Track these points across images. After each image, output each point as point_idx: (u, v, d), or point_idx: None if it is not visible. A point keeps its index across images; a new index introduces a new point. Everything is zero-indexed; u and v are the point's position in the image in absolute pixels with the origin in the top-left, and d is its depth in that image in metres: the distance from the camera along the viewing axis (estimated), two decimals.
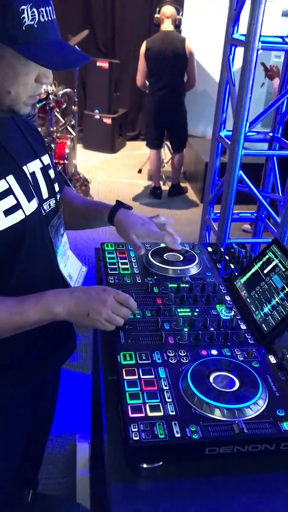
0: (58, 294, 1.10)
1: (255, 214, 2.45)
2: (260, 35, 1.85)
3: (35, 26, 0.95)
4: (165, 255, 1.43)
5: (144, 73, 4.63)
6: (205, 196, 2.44)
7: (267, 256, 1.27)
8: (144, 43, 4.62)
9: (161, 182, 5.30)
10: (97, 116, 6.15)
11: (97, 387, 1.48)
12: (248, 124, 2.00)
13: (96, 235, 3.89)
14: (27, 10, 0.93)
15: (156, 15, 4.63)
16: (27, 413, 1.43)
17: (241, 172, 2.06)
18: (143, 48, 4.60)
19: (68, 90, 4.91)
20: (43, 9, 0.96)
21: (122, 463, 0.89)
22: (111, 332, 1.11)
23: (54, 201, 1.26)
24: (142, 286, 1.29)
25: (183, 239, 1.44)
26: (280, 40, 1.96)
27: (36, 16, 0.95)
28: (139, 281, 1.33)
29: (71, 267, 1.37)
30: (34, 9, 0.94)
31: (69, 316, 1.08)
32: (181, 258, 1.43)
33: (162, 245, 1.46)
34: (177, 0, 5.01)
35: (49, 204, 1.23)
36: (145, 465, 0.88)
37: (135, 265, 1.41)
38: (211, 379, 0.97)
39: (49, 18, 0.98)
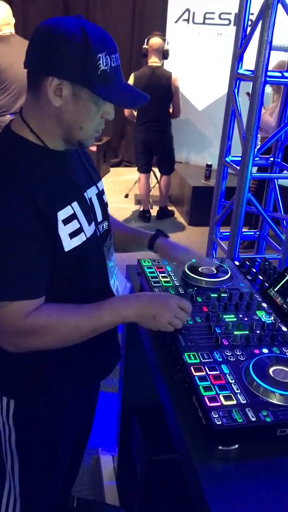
0: (127, 299, 1.23)
1: (258, 233, 2.63)
2: (267, 71, 2.05)
3: (108, 70, 1.09)
4: (200, 268, 1.56)
5: None
6: (211, 217, 2.61)
7: None
8: (132, 77, 4.82)
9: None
10: None
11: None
12: (256, 150, 2.18)
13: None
14: (102, 57, 1.07)
15: (144, 46, 4.84)
16: (82, 417, 1.53)
17: (249, 194, 2.23)
18: (130, 81, 4.80)
19: None
20: (113, 56, 1.10)
21: (199, 449, 1.01)
22: (163, 342, 1.23)
23: (106, 224, 1.38)
24: (187, 296, 1.42)
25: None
26: (279, 74, 2.16)
27: (109, 62, 1.09)
28: (182, 292, 1.45)
29: (118, 282, 1.49)
30: (108, 56, 1.08)
31: (137, 318, 1.21)
32: (215, 271, 1.57)
33: (194, 260, 1.60)
34: (160, 31, 5.28)
35: (103, 226, 1.36)
36: (223, 448, 0.99)
37: (174, 278, 1.54)
38: (270, 372, 1.10)
39: (117, 63, 1.13)
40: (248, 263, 1.67)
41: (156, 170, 5.43)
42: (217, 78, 5.66)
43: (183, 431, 1.06)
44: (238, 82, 2.35)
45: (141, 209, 5.36)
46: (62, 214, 1.16)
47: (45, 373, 1.31)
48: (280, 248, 2.35)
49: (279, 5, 1.99)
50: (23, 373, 1.30)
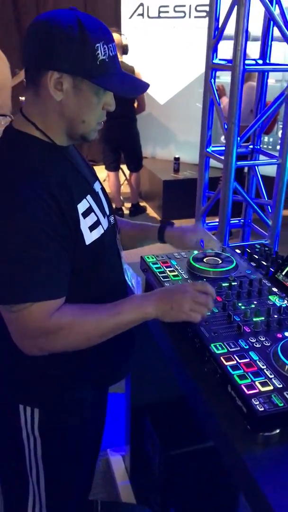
0: (146, 296, 1.23)
1: (242, 220, 2.66)
2: (244, 59, 2.07)
3: (107, 60, 1.08)
4: (205, 259, 1.57)
5: None
6: (197, 208, 2.62)
7: None
8: None
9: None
10: None
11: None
12: (238, 139, 2.20)
13: None
14: (100, 47, 1.06)
15: None
16: (98, 421, 1.51)
17: (235, 183, 2.25)
18: None
19: None
20: (111, 45, 1.09)
21: (239, 437, 1.01)
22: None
23: (113, 217, 1.37)
24: None
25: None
26: (261, 62, 2.19)
27: (107, 51, 1.08)
28: None
29: (130, 276, 1.49)
30: (105, 46, 1.07)
31: (158, 312, 1.19)
32: (220, 261, 1.57)
33: (195, 252, 1.61)
34: (115, 27, 5.25)
35: (110, 220, 1.35)
36: (265, 434, 1.00)
37: (181, 271, 1.53)
38: None
39: (115, 53, 1.12)
40: (249, 250, 1.69)
41: (124, 167, 5.42)
42: (177, 71, 5.69)
43: (221, 421, 1.06)
44: (214, 72, 2.37)
45: (113, 207, 5.33)
46: (81, 208, 1.16)
47: (66, 378, 1.29)
48: (267, 234, 2.39)
49: None
50: (44, 381, 1.28)
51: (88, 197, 1.21)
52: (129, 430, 2.05)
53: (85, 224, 1.17)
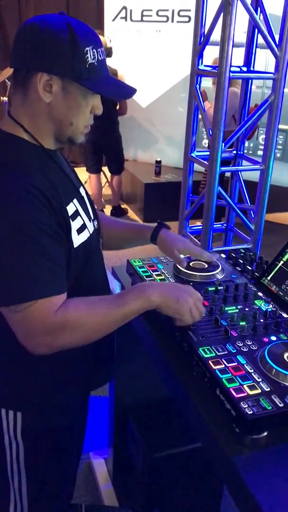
0: (150, 284, 1.23)
1: (225, 225, 2.69)
2: (230, 66, 2.10)
3: (96, 64, 1.10)
4: (191, 263, 1.58)
5: None
6: (180, 212, 2.64)
7: None
8: None
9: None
10: None
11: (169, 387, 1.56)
12: (223, 144, 2.23)
13: None
14: (90, 50, 1.08)
15: None
16: (81, 425, 1.52)
17: (219, 187, 2.28)
18: None
19: None
20: (99, 50, 1.11)
21: (227, 439, 1.03)
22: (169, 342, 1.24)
23: (96, 222, 1.38)
24: None
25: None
26: (245, 69, 2.22)
27: (96, 55, 1.10)
28: None
29: (110, 282, 1.50)
30: (95, 50, 1.09)
31: (162, 300, 1.19)
32: (206, 265, 1.59)
33: (181, 256, 1.62)
34: (99, 29, 5.26)
35: (94, 224, 1.36)
36: (254, 436, 1.02)
37: (168, 275, 1.55)
38: (286, 358, 1.14)
39: (103, 57, 1.13)
40: (233, 255, 1.71)
41: (105, 169, 5.42)
42: (159, 75, 5.72)
43: (209, 424, 1.08)
44: (199, 78, 2.39)
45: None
46: (69, 210, 1.16)
47: (50, 382, 1.29)
48: (249, 238, 2.42)
49: (239, 2, 2.04)
50: (28, 385, 1.27)
51: (75, 200, 1.22)
52: (112, 433, 2.06)
53: (73, 227, 1.18)
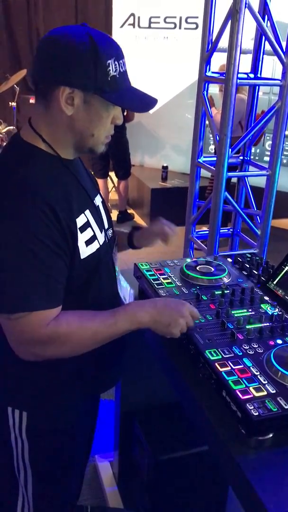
0: (142, 305, 1.24)
1: (231, 230, 2.70)
2: (238, 73, 2.12)
3: (117, 76, 1.10)
4: (198, 267, 1.60)
5: None
6: (187, 217, 2.66)
7: None
8: None
9: None
10: None
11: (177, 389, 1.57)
12: (230, 150, 2.25)
13: None
14: (112, 63, 1.09)
15: None
16: (89, 427, 1.53)
17: (226, 193, 2.30)
18: None
19: (11, 127, 4.99)
20: (121, 61, 1.12)
21: (233, 441, 1.04)
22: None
23: (111, 231, 1.39)
24: (192, 296, 1.45)
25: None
26: (252, 75, 2.24)
27: (118, 68, 1.10)
28: (186, 292, 1.48)
29: (123, 289, 1.51)
30: (116, 62, 1.10)
31: (153, 324, 1.22)
32: (212, 269, 1.61)
33: (188, 260, 1.64)
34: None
35: (109, 234, 1.37)
36: (259, 438, 1.03)
37: (175, 278, 1.56)
38: None
39: (125, 69, 1.14)
40: (240, 259, 1.72)
41: (112, 174, 5.45)
42: (167, 81, 5.75)
43: (215, 426, 1.09)
44: (206, 84, 2.42)
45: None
46: (79, 222, 1.17)
47: (56, 383, 1.31)
48: (255, 243, 2.43)
49: (246, 10, 2.07)
50: (34, 385, 1.29)
51: (87, 211, 1.22)
52: (117, 436, 2.07)
53: (81, 238, 1.18)
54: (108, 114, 1.15)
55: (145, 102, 1.18)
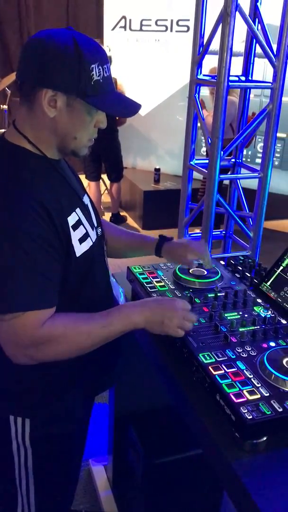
0: (135, 306, 1.24)
1: (224, 232, 2.71)
2: (229, 76, 2.12)
3: (101, 81, 1.10)
4: (190, 270, 1.60)
5: None
6: (180, 219, 2.66)
7: (287, 261, 1.49)
8: None
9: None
10: None
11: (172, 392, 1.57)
12: (222, 152, 2.25)
13: None
14: (95, 68, 1.09)
15: None
16: (84, 431, 1.52)
17: (218, 195, 2.30)
18: None
19: (3, 130, 4.98)
20: (105, 66, 1.12)
21: (227, 444, 1.03)
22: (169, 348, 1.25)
23: (100, 229, 1.39)
24: (185, 299, 1.45)
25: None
26: (243, 78, 2.25)
27: (101, 72, 1.10)
28: (179, 295, 1.48)
29: (114, 288, 1.51)
30: (100, 67, 1.10)
31: (147, 324, 1.22)
32: (205, 272, 1.61)
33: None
34: (98, 38, 5.30)
35: (98, 232, 1.37)
36: (253, 441, 1.03)
37: (168, 282, 1.56)
38: (285, 364, 1.15)
39: (109, 73, 1.14)
40: (232, 262, 1.73)
41: (104, 176, 5.44)
42: (158, 84, 5.76)
43: (210, 429, 1.08)
44: (198, 87, 2.42)
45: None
46: (71, 220, 1.18)
47: (55, 388, 1.30)
48: (248, 245, 2.44)
49: (237, 13, 2.08)
50: (34, 391, 1.28)
51: (78, 210, 1.23)
52: (112, 439, 2.06)
53: (75, 236, 1.19)
54: (91, 118, 1.15)
55: (128, 107, 1.19)
